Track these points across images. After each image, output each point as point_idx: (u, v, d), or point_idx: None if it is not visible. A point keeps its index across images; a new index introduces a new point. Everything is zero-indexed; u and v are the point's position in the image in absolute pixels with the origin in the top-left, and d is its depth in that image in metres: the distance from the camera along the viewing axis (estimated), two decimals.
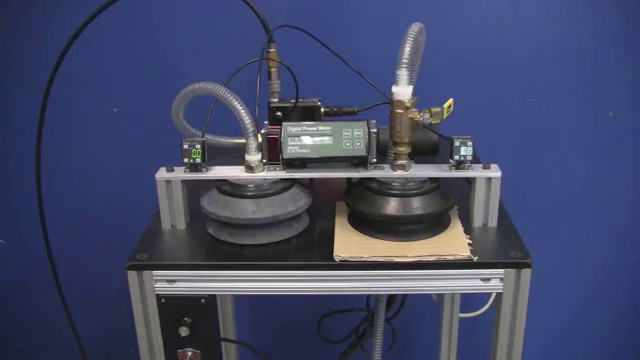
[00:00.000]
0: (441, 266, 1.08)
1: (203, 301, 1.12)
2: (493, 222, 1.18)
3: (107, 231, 1.95)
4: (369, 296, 1.37)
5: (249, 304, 2.05)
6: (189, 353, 1.15)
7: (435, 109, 1.10)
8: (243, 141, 1.15)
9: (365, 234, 1.15)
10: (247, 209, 1.12)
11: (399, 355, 2.10)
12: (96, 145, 1.87)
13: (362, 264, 1.08)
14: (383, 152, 1.19)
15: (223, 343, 1.48)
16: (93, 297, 2.06)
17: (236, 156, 1.18)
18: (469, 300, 1.75)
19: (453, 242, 1.12)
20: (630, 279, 2.06)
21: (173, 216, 1.19)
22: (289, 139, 1.14)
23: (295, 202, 1.15)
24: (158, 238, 1.18)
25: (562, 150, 1.85)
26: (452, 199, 1.17)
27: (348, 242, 1.12)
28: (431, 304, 1.71)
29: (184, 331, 1.13)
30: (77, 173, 1.91)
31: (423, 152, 1.28)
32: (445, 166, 1.16)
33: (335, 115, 1.32)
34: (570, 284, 2.06)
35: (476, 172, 1.16)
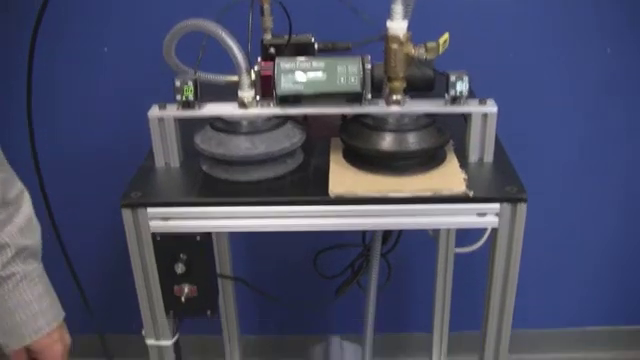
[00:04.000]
0: (437, 201, 1.08)
1: (198, 238, 1.12)
2: (489, 157, 1.18)
3: (101, 171, 1.94)
4: (365, 232, 1.37)
5: (245, 241, 2.06)
6: (185, 289, 1.16)
7: (430, 44, 1.08)
8: (236, 78, 1.14)
9: (360, 170, 1.14)
10: (241, 146, 1.11)
11: (395, 290, 2.12)
12: (88, 85, 1.85)
13: (357, 200, 1.08)
14: (378, 89, 1.17)
15: (219, 279, 1.50)
16: (89, 238, 2.07)
17: (229, 94, 1.17)
18: (465, 235, 1.76)
19: (449, 177, 1.12)
20: (627, 213, 2.07)
21: (167, 154, 1.19)
22: (282, 75, 1.12)
23: (289, 138, 1.14)
24: (152, 176, 1.18)
25: (559, 86, 1.84)
26: (447, 134, 1.17)
27: (343, 178, 1.12)
28: (427, 239, 1.72)
29: (180, 268, 1.13)
30: (69, 114, 1.89)
31: (418, 88, 1.26)
32: (440, 101, 1.15)
33: (329, 51, 1.30)
34: (566, 218, 2.07)
35: (472, 107, 1.15)
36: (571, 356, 2.33)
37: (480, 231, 1.62)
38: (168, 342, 1.23)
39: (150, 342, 1.24)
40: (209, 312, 1.21)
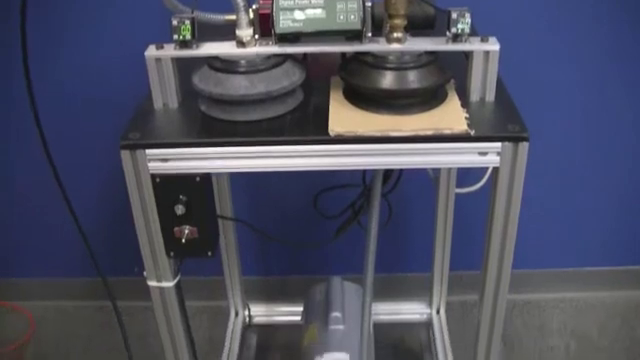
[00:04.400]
0: (438, 140, 1.07)
1: (198, 179, 1.12)
2: (490, 96, 1.16)
3: (100, 114, 1.93)
4: (365, 172, 1.37)
5: (245, 182, 2.06)
6: (186, 231, 1.16)
7: None
8: (234, 17, 1.12)
9: (361, 108, 1.13)
10: (240, 85, 1.10)
11: (395, 231, 2.13)
12: (84, 25, 1.83)
13: (357, 139, 1.07)
14: (378, 27, 1.15)
15: (220, 221, 1.50)
16: (90, 182, 2.07)
17: (227, 34, 1.15)
18: (465, 175, 1.76)
19: (450, 116, 1.11)
20: (629, 154, 2.07)
21: (165, 95, 1.17)
22: (281, 13, 1.10)
23: (289, 77, 1.13)
24: (150, 117, 1.16)
25: (563, 25, 1.81)
26: (449, 73, 1.15)
27: (343, 117, 1.11)
28: (427, 180, 1.72)
29: (180, 209, 1.13)
30: (65, 55, 1.87)
31: (419, 26, 1.24)
32: (442, 39, 1.13)
33: None
34: (567, 159, 2.07)
35: (473, 45, 1.13)
36: (571, 296, 2.35)
37: (480, 172, 1.62)
38: (170, 284, 1.24)
39: (152, 284, 1.24)
40: (210, 253, 1.21)
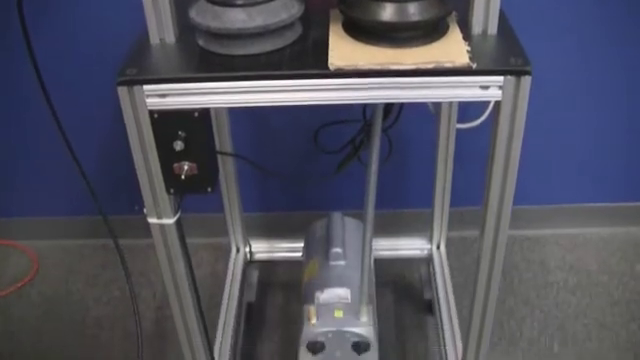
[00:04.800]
0: (439, 74, 1.06)
1: (196, 115, 1.10)
2: (493, 29, 1.14)
3: (96, 50, 1.91)
4: (365, 106, 1.36)
5: (245, 118, 2.05)
6: (185, 167, 1.16)
7: None
8: None
9: (361, 42, 1.11)
10: (237, 18, 1.08)
11: (396, 166, 2.13)
12: None
13: (358, 72, 1.05)
14: None
15: (220, 156, 1.49)
16: (88, 121, 2.05)
17: None
18: (466, 111, 1.75)
19: (451, 49, 1.09)
20: (630, 92, 2.05)
21: (161, 29, 1.15)
22: None
23: (287, 9, 1.10)
24: (147, 53, 1.15)
25: None
26: (450, 5, 1.13)
27: (343, 50, 1.09)
28: (428, 115, 1.71)
29: (179, 145, 1.12)
30: None
31: None
32: None
33: None
34: (569, 95, 2.05)
35: None
36: (570, 232, 2.36)
37: (482, 108, 1.61)
38: (170, 220, 1.24)
39: (152, 221, 1.25)
40: (209, 189, 1.20)
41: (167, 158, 1.15)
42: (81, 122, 1.91)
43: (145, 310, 2.17)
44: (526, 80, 1.07)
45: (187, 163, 1.15)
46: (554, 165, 2.22)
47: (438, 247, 2.07)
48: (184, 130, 1.12)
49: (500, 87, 1.07)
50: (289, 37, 1.14)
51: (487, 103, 1.21)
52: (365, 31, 1.11)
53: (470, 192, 1.73)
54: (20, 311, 2.21)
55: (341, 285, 1.70)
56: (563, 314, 2.10)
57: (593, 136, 2.15)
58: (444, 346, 1.81)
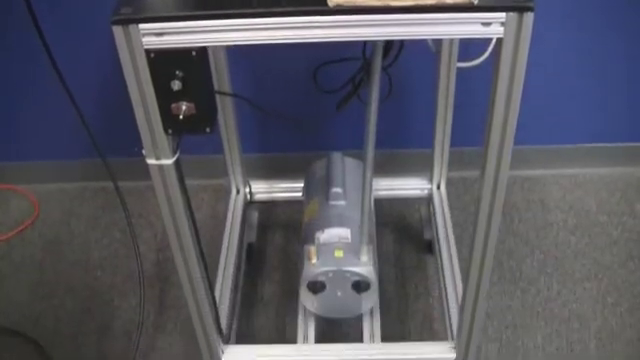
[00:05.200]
0: (440, 10, 1.04)
1: (194, 53, 1.09)
2: None
3: None
4: (365, 44, 1.34)
5: (243, 57, 2.03)
6: (183, 107, 1.14)
7: None
8: None
9: None
10: None
11: (396, 106, 2.11)
12: None
13: (357, 9, 1.03)
14: None
15: (218, 97, 1.48)
16: (85, 62, 2.03)
17: None
18: (467, 50, 1.72)
19: None
20: (629, 23, 2.02)
21: None
22: None
23: None
24: None
25: None
26: None
27: None
28: (429, 54, 1.68)
29: (176, 85, 1.11)
30: None
31: None
32: None
33: None
34: (570, 34, 2.03)
35: None
36: (571, 172, 2.36)
37: (483, 46, 1.58)
38: (169, 161, 1.23)
39: (151, 162, 1.24)
40: (208, 129, 1.19)
41: (165, 98, 1.14)
42: (79, 64, 1.89)
43: (146, 251, 2.18)
44: (529, 16, 1.05)
45: (185, 103, 1.14)
46: (555, 105, 2.21)
47: (438, 187, 2.06)
48: (182, 69, 1.10)
49: (502, 24, 1.05)
50: None
51: (489, 41, 1.19)
52: None
53: (471, 132, 1.72)
54: (22, 254, 2.22)
55: (341, 225, 1.71)
56: (562, 254, 2.12)
57: (594, 76, 2.14)
58: (444, 285, 1.82)
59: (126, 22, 1.06)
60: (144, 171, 1.25)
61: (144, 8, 1.07)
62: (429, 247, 2.09)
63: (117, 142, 1.83)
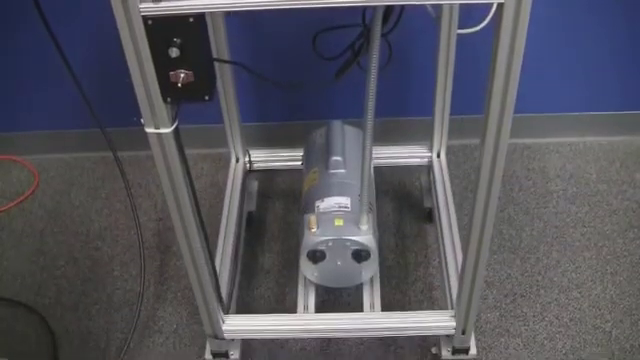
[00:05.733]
0: None
1: (191, 20, 1.07)
2: None
3: None
4: (365, 10, 1.32)
5: (242, 25, 2.02)
6: (182, 75, 1.13)
7: None
8: None
9: None
10: None
11: (396, 74, 2.10)
12: None
13: None
14: None
15: (217, 64, 1.47)
16: (81, 30, 2.02)
17: None
18: (468, 16, 1.71)
19: None
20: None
21: None
22: None
23: None
24: None
25: None
26: None
27: None
28: (429, 21, 1.67)
29: (174, 52, 1.10)
30: None
31: None
32: None
33: None
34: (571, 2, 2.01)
35: None
36: (571, 140, 2.36)
37: (483, 12, 1.57)
38: (168, 130, 1.23)
39: (150, 130, 1.23)
40: (207, 97, 1.19)
41: (163, 66, 1.13)
42: (76, 33, 1.88)
43: (146, 221, 2.18)
44: None
45: (183, 71, 1.13)
46: (555, 73, 2.20)
47: (438, 155, 2.06)
48: (179, 36, 1.09)
49: None
50: None
51: (489, 6, 1.18)
52: None
53: (471, 100, 1.71)
54: (23, 225, 2.22)
55: (341, 193, 1.71)
56: (562, 223, 2.12)
57: (594, 44, 2.12)
58: (444, 254, 1.82)
59: None
60: (143, 140, 1.24)
61: None
62: (429, 215, 2.09)
63: (116, 112, 1.83)
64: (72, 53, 1.46)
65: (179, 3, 1.06)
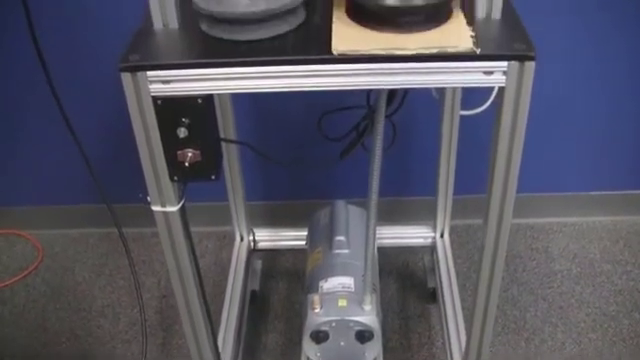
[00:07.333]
0: (442, 59, 1.05)
1: (200, 101, 1.10)
2: (497, 13, 1.14)
3: (98, 32, 1.91)
4: (369, 92, 1.35)
5: (249, 105, 2.05)
6: (189, 154, 1.15)
7: None
8: None
9: (364, 27, 1.10)
10: (240, 3, 1.07)
11: (399, 153, 2.12)
12: None
13: (361, 58, 1.05)
14: None
15: (223, 143, 1.49)
16: (91, 107, 2.06)
17: None
18: (470, 98, 1.74)
19: (455, 34, 1.09)
20: (633, 81, 2.04)
21: (164, 14, 1.14)
22: None
23: None
24: (150, 38, 1.14)
25: None
26: None
27: (347, 35, 1.08)
28: (432, 101, 1.70)
29: (182, 132, 1.12)
30: None
31: None
32: None
33: None
34: (572, 82, 2.05)
35: None
36: (574, 220, 2.36)
37: (485, 94, 1.60)
38: (174, 208, 1.24)
39: (156, 209, 1.24)
40: (213, 176, 1.20)
41: (171, 145, 1.15)
42: (85, 109, 1.91)
43: (149, 299, 2.17)
44: (530, 65, 1.06)
45: (191, 150, 1.15)
46: (558, 153, 2.22)
47: (442, 235, 2.06)
48: (188, 117, 1.12)
49: (504, 72, 1.07)
50: (292, 22, 1.13)
51: (491, 89, 1.21)
52: (368, 16, 1.11)
53: (474, 180, 1.72)
54: (25, 300, 2.21)
55: (345, 274, 1.70)
56: (567, 303, 2.10)
57: (597, 124, 2.15)
58: (447, 335, 1.81)
59: (134, 69, 1.07)
60: (149, 217, 1.25)
61: (152, 55, 1.10)
62: (433, 296, 2.08)
63: (122, 188, 1.84)
64: (81, 129, 1.48)
65: (188, 84, 1.08)
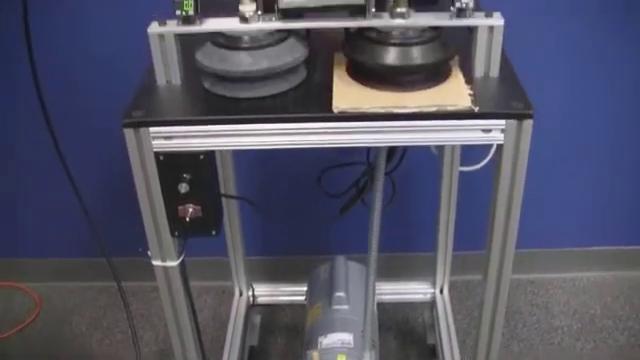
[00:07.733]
0: (442, 117, 1.07)
1: (202, 157, 1.11)
2: (495, 72, 1.16)
3: (100, 88, 1.93)
4: (369, 149, 1.36)
5: (249, 160, 2.06)
6: (190, 209, 1.16)
7: None
8: None
9: (364, 85, 1.12)
10: (242, 61, 1.09)
11: (399, 210, 2.12)
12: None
13: (361, 115, 1.06)
14: (382, 2, 1.14)
15: (224, 199, 1.50)
16: (92, 160, 2.07)
17: (230, 9, 1.14)
18: (469, 154, 1.75)
19: (454, 92, 1.11)
20: (633, 134, 2.06)
21: (168, 71, 1.17)
22: None
23: (292, 53, 1.12)
24: (153, 95, 1.16)
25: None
26: (452, 48, 1.14)
27: (347, 93, 1.10)
28: (431, 158, 1.72)
29: (184, 187, 1.13)
30: (67, 29, 1.86)
31: (422, 1, 1.23)
32: (446, 14, 1.12)
33: None
34: (571, 137, 2.06)
35: (477, 20, 1.12)
36: (574, 276, 2.35)
37: (484, 151, 1.62)
38: (174, 263, 1.24)
39: (156, 263, 1.25)
40: (214, 232, 1.21)
41: (172, 200, 1.16)
42: (86, 162, 1.92)
43: (147, 354, 2.15)
44: (528, 123, 1.08)
45: (192, 206, 1.16)
46: (558, 208, 2.22)
47: (441, 291, 2.06)
48: (189, 172, 1.13)
49: (502, 130, 1.09)
50: (294, 80, 1.15)
51: (490, 146, 1.22)
52: (369, 74, 1.13)
53: (474, 236, 1.72)
54: (22, 352, 2.19)
55: (344, 330, 1.69)
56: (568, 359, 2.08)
57: (597, 178, 2.16)
58: None
59: (137, 125, 1.09)
60: (149, 271, 1.25)
61: (155, 111, 1.11)
62: (432, 352, 2.06)
63: (122, 241, 1.84)
64: (81, 182, 1.49)
65: (190, 141, 1.10)
